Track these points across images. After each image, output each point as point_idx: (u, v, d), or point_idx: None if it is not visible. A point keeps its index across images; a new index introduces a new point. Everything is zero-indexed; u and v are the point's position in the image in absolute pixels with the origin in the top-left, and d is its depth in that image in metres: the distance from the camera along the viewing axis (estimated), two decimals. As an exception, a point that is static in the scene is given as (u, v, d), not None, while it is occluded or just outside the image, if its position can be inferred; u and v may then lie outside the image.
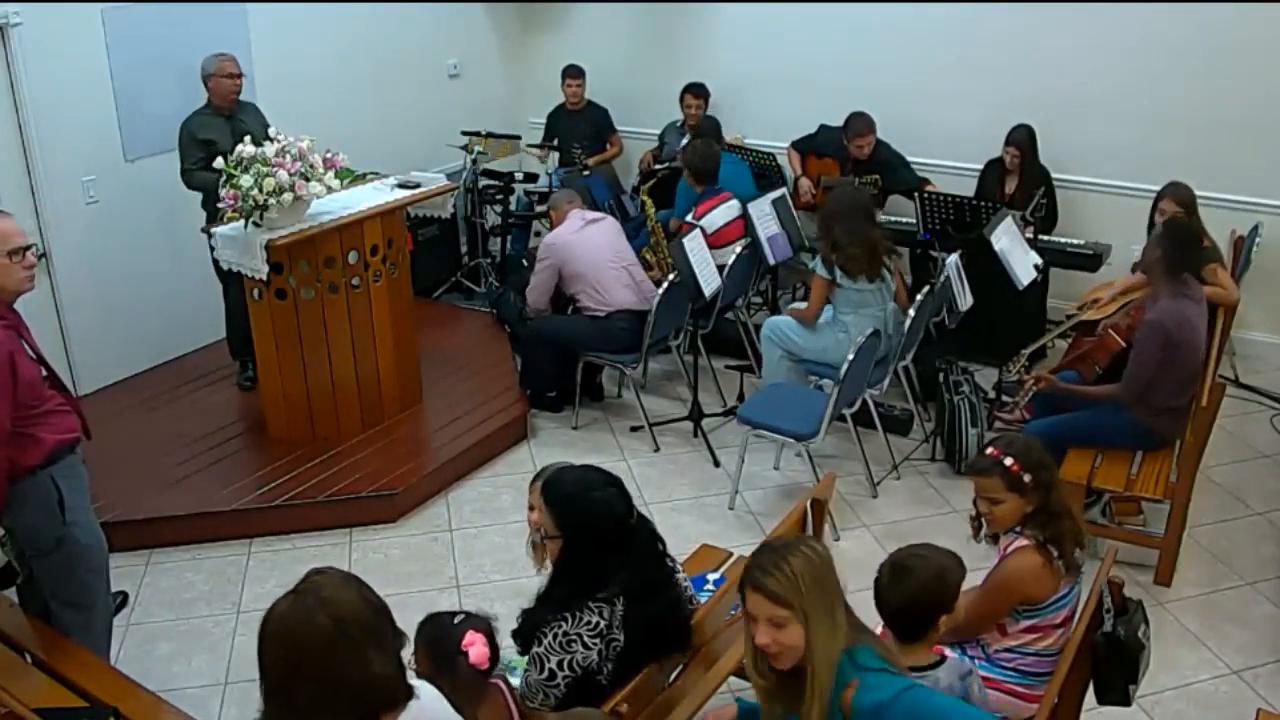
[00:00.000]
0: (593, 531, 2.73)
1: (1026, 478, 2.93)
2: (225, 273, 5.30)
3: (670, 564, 2.92)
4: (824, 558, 2.29)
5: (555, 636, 2.68)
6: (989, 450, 3.00)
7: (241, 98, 5.62)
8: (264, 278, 4.90)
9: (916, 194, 6.07)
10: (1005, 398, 5.45)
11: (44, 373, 3.44)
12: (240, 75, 5.49)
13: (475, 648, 2.57)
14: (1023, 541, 2.95)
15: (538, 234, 7.84)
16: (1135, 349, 4.36)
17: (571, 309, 5.70)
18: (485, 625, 2.65)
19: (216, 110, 5.48)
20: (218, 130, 5.37)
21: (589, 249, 5.52)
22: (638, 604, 2.74)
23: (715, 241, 5.65)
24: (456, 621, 2.66)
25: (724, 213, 5.93)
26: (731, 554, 3.86)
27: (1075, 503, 3.18)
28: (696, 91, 7.11)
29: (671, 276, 5.39)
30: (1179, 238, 4.41)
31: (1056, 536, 2.95)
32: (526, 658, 2.81)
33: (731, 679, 3.59)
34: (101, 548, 3.65)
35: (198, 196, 5.48)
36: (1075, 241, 6.06)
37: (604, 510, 2.73)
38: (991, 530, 3.08)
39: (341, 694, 2.01)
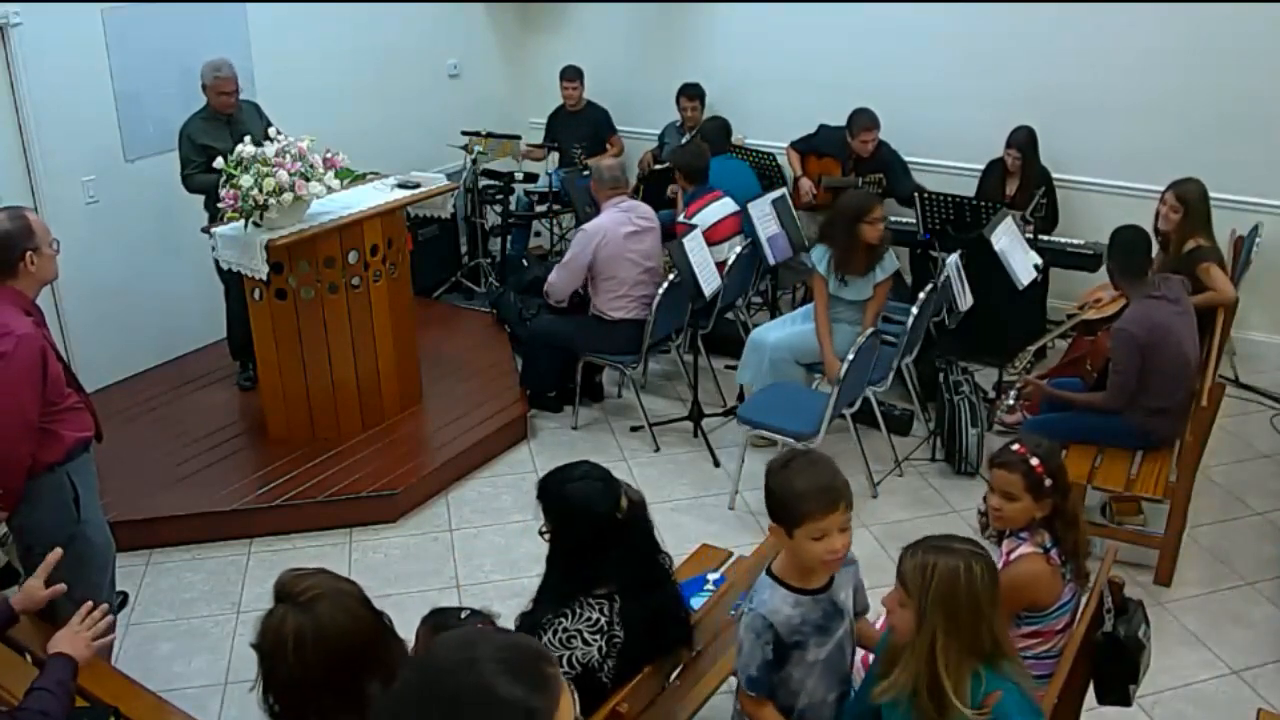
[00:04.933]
0: (572, 524, 2.72)
1: (1047, 481, 2.92)
2: (226, 273, 5.30)
3: (665, 562, 2.91)
4: (976, 581, 2.30)
5: (555, 633, 2.68)
6: (1014, 446, 2.98)
7: (241, 98, 5.62)
8: (264, 278, 4.90)
9: (917, 194, 6.07)
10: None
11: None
12: (235, 91, 5.45)
13: None
14: (1028, 549, 2.94)
15: (537, 234, 7.86)
16: (1111, 359, 4.38)
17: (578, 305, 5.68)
18: (491, 623, 2.65)
19: (215, 113, 5.47)
20: (216, 135, 5.37)
21: (633, 258, 5.45)
22: (635, 599, 2.73)
23: (710, 238, 5.64)
24: (463, 615, 2.66)
25: (716, 210, 5.92)
26: (731, 554, 3.85)
27: (1080, 510, 3.17)
28: (691, 93, 7.12)
29: (671, 276, 5.39)
30: (1121, 244, 4.48)
31: (1071, 545, 2.95)
32: None
33: (731, 679, 3.59)
34: (109, 547, 3.69)
35: (198, 197, 5.48)
36: (1075, 241, 6.06)
37: (581, 503, 2.70)
38: (997, 528, 3.08)
39: (395, 674, 2.03)
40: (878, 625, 2.92)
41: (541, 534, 2.78)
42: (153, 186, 5.79)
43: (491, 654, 1.28)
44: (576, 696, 1.35)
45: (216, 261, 5.22)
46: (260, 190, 4.68)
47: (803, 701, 2.62)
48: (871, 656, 3.25)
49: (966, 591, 2.29)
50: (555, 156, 7.51)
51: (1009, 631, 3.01)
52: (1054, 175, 6.17)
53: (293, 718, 2.03)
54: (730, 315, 6.16)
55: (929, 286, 5.24)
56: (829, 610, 2.59)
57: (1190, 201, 5.06)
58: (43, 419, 3.31)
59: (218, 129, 5.42)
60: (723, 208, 5.94)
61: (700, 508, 5.00)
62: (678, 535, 4.66)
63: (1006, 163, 6.18)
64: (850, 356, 4.69)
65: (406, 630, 2.41)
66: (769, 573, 2.63)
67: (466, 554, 4.72)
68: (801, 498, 2.45)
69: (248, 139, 4.84)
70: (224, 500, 4.88)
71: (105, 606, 2.68)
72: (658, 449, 5.51)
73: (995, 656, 2.34)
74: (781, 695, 2.62)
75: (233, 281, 5.41)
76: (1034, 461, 2.91)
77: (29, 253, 3.31)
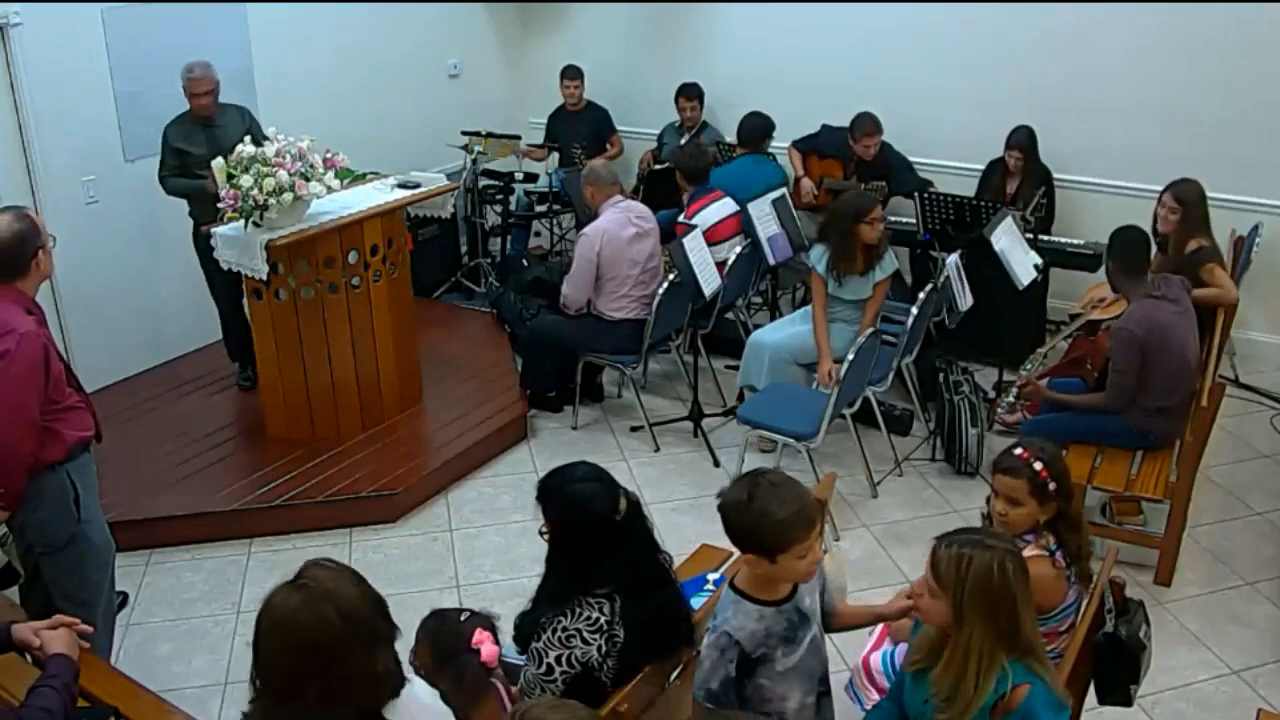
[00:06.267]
0: (573, 524, 2.72)
1: (1051, 486, 2.92)
2: (211, 274, 5.29)
3: (665, 562, 2.91)
4: (1009, 577, 2.32)
5: (555, 631, 2.68)
6: (1018, 451, 2.97)
7: (239, 99, 5.62)
8: (264, 278, 4.90)
9: (917, 194, 6.07)
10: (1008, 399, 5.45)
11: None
12: (209, 92, 5.34)
13: (486, 645, 2.57)
14: (1033, 551, 2.94)
15: (537, 234, 7.86)
16: (1111, 359, 4.38)
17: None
18: (489, 623, 2.65)
19: (195, 118, 5.41)
20: (191, 139, 5.34)
21: (634, 258, 5.45)
22: (636, 599, 2.73)
23: (710, 238, 5.64)
24: (463, 619, 2.66)
25: (717, 210, 5.90)
26: (732, 554, 3.82)
27: (1083, 512, 3.17)
28: (689, 93, 7.12)
29: (671, 276, 5.39)
30: (1121, 244, 4.49)
31: (1076, 547, 2.95)
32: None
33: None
34: (109, 546, 3.70)
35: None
36: (1075, 241, 6.06)
37: (581, 503, 2.71)
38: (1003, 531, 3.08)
39: (352, 690, 2.01)
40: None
41: (541, 534, 2.79)
42: (153, 186, 5.75)
43: None
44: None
45: (204, 264, 5.21)
46: (260, 190, 4.68)
47: (780, 708, 2.63)
48: (874, 632, 3.27)
49: (1000, 586, 2.30)
50: (555, 156, 7.51)
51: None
52: (1054, 175, 6.17)
53: (271, 698, 2.06)
54: (730, 315, 6.15)
55: (929, 286, 5.24)
56: (794, 620, 2.60)
57: (1189, 202, 5.05)
58: (44, 418, 3.32)
59: (194, 133, 5.36)
60: (723, 208, 5.94)
61: (700, 508, 5.00)
62: (678, 535, 4.66)
63: (1008, 163, 6.18)
64: (850, 356, 4.69)
65: (407, 631, 2.41)
66: (732, 587, 2.63)
67: (466, 554, 4.72)
68: (785, 526, 2.43)
69: (248, 139, 4.83)
70: (224, 500, 4.88)
71: (76, 622, 2.65)
72: (658, 449, 5.51)
73: (1024, 652, 2.35)
74: (758, 704, 2.62)
75: (218, 280, 5.38)
76: (1038, 466, 2.91)
77: (40, 250, 3.34)
